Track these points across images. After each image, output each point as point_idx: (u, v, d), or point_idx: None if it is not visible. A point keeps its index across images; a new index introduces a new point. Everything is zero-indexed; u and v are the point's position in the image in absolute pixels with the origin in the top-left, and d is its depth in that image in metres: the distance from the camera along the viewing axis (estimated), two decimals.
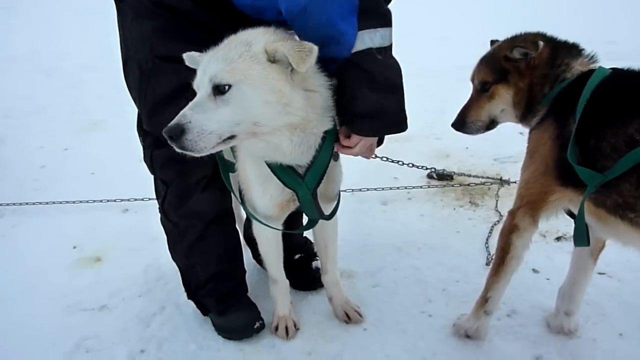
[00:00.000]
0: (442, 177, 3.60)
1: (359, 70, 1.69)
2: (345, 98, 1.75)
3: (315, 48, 1.58)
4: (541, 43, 1.90)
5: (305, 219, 2.10)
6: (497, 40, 2.13)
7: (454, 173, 3.61)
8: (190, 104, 1.60)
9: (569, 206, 1.85)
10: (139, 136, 2.16)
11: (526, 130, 2.03)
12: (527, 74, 1.94)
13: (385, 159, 3.12)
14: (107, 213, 3.30)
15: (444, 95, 4.60)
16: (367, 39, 1.67)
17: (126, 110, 2.19)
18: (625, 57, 4.82)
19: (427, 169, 3.53)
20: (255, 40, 1.63)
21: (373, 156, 2.06)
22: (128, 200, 3.33)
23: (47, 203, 3.32)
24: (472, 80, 2.12)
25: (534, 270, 2.55)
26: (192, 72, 1.76)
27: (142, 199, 3.24)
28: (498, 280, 2.01)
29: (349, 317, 2.28)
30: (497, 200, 3.22)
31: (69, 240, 2.99)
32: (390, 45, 1.74)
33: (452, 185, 3.48)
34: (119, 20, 2.02)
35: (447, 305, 2.37)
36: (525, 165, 1.94)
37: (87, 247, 2.94)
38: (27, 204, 3.31)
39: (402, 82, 1.77)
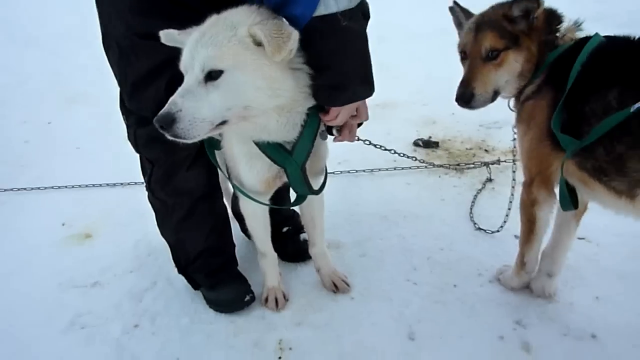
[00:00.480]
0: (428, 144, 3.63)
1: (321, 39, 1.62)
2: (314, 63, 1.69)
3: (295, 33, 1.54)
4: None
5: (293, 195, 2.13)
6: (456, 5, 2.08)
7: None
8: (180, 90, 1.57)
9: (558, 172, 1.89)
10: (122, 114, 2.14)
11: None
12: (532, 37, 1.87)
13: (368, 142, 3.10)
14: (95, 189, 3.30)
15: (431, 60, 4.58)
16: (331, 3, 1.57)
17: (109, 81, 2.15)
18: (613, 16, 4.81)
19: (403, 155, 3.36)
20: (240, 22, 1.59)
21: (356, 139, 2.06)
22: (114, 184, 3.32)
23: (39, 188, 3.30)
24: (466, 49, 1.97)
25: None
26: (171, 49, 1.74)
27: (129, 183, 3.24)
28: (531, 247, 2.13)
29: (337, 287, 2.34)
30: (486, 169, 3.26)
31: (57, 217, 3.01)
32: (358, 4, 1.63)
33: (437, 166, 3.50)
34: None
35: (432, 272, 2.44)
36: (522, 134, 1.97)
37: (77, 223, 2.96)
38: (20, 189, 3.30)
39: (366, 48, 1.70)
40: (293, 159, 1.89)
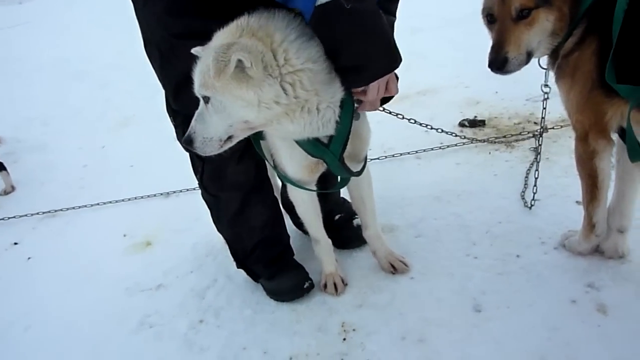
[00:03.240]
0: (474, 124, 3.54)
1: (327, 26, 1.61)
2: (329, 49, 1.69)
3: (233, 58, 1.55)
4: None
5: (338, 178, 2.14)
6: None
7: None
8: (196, 113, 1.77)
9: (620, 121, 1.81)
10: (169, 116, 2.21)
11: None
12: None
13: (413, 121, 3.07)
14: (151, 200, 3.42)
15: (467, 43, 4.46)
16: None
17: (154, 103, 2.29)
18: None
19: (451, 133, 3.28)
20: (213, 46, 1.66)
21: (380, 109, 2.08)
22: (168, 193, 3.44)
23: (99, 204, 3.46)
24: (492, 11, 1.88)
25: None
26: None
27: (181, 191, 3.35)
28: (598, 204, 2.02)
29: (395, 268, 2.31)
30: (536, 140, 3.15)
31: (119, 230, 3.13)
32: None
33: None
34: (134, 5, 2.05)
35: (492, 245, 2.36)
36: (568, 88, 1.88)
37: (137, 233, 3.07)
38: (81, 206, 3.47)
39: (378, 23, 1.67)
40: (329, 151, 1.90)
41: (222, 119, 1.70)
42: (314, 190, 2.16)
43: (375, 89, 1.83)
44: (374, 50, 1.70)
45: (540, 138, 2.90)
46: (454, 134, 3.28)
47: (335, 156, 1.90)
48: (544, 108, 2.57)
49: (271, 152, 2.14)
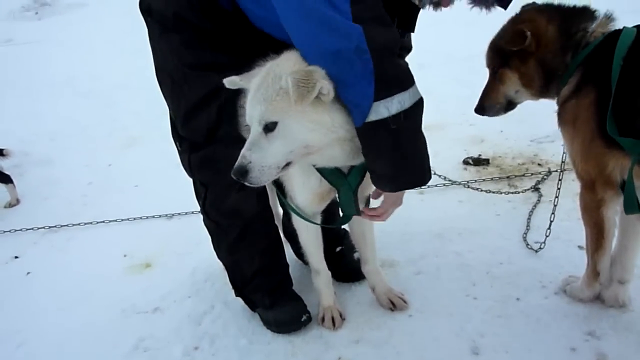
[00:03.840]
0: (478, 162, 3.57)
1: (370, 139, 1.71)
2: (364, 153, 1.78)
3: (318, 85, 1.59)
4: (528, 34, 1.91)
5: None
6: (530, 3, 2.10)
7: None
8: (247, 143, 1.71)
9: (622, 173, 1.82)
10: (175, 142, 2.25)
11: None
12: (532, 55, 1.95)
13: None
14: (153, 221, 3.43)
15: (473, 81, 4.51)
16: (382, 110, 1.65)
17: (161, 125, 2.31)
18: None
19: (445, 178, 3.36)
20: (284, 72, 1.66)
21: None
22: (171, 214, 3.45)
23: (104, 222, 3.47)
24: (486, 64, 2.15)
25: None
26: (220, 77, 1.83)
27: (186, 213, 3.35)
28: (604, 252, 2.03)
29: (394, 304, 2.30)
30: (537, 182, 3.18)
31: (119, 250, 3.13)
32: (412, 105, 1.69)
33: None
34: (149, 33, 2.10)
35: (492, 287, 2.36)
36: (570, 137, 1.93)
37: (137, 254, 3.07)
38: (85, 223, 3.48)
39: (418, 143, 1.78)
40: (347, 182, 1.95)
41: (286, 144, 1.69)
42: (317, 224, 2.18)
43: (390, 199, 1.94)
44: (407, 165, 1.78)
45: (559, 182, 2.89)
46: (456, 183, 3.29)
47: (351, 187, 1.96)
48: None
49: (281, 180, 2.16)
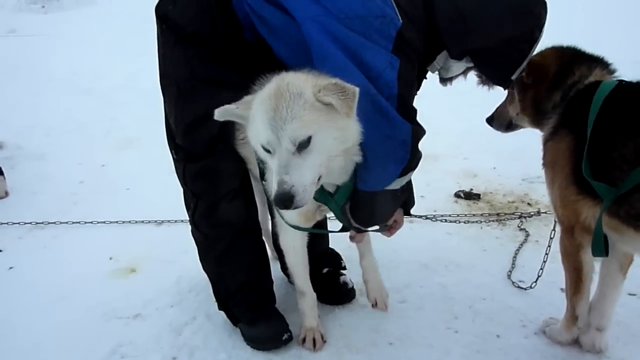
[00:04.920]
0: (470, 196, 3.62)
1: (367, 197, 1.97)
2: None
3: (357, 90, 1.64)
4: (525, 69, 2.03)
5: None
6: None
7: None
8: (278, 168, 1.65)
9: (593, 219, 1.86)
10: (171, 150, 2.26)
11: None
12: (530, 87, 2.11)
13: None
14: (142, 226, 3.42)
15: (469, 115, 4.62)
16: (393, 185, 1.94)
17: (158, 129, 2.32)
18: None
19: (435, 217, 3.33)
20: (303, 87, 1.69)
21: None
22: (161, 221, 3.45)
23: (92, 222, 3.45)
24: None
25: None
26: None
27: (176, 221, 3.35)
28: (582, 297, 2.05)
29: (377, 304, 2.44)
30: (525, 221, 3.23)
31: (105, 252, 3.11)
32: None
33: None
34: (160, 39, 2.13)
35: (474, 322, 2.38)
36: (550, 180, 1.99)
37: (123, 258, 3.05)
38: (74, 222, 3.46)
39: (403, 195, 2.08)
40: (333, 200, 1.99)
41: (319, 156, 1.69)
42: (309, 230, 2.21)
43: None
44: (388, 211, 2.12)
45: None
46: (445, 220, 3.31)
47: (337, 205, 2.02)
48: None
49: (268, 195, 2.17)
